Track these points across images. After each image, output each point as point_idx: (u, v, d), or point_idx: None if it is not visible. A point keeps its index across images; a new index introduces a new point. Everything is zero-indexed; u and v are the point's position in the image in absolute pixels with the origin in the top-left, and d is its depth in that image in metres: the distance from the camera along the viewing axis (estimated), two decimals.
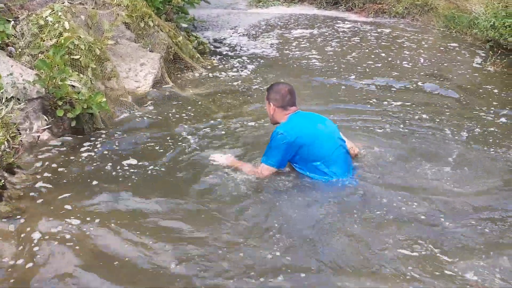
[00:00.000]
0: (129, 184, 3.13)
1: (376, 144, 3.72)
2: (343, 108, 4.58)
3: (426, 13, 8.47)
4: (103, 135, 3.84)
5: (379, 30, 7.81)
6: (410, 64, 6.09)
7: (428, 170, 3.38)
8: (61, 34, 3.97)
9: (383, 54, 6.51)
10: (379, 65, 6.08)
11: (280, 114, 3.37)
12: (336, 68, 5.91)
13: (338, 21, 8.44)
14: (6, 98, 3.23)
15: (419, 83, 5.32)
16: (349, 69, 5.83)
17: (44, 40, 3.87)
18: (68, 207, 2.83)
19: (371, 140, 3.82)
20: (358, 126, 4.12)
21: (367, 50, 6.71)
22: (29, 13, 4.10)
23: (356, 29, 7.92)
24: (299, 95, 3.61)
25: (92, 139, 3.77)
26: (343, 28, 7.99)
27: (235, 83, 5.30)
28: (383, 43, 7.05)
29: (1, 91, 3.24)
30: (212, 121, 4.16)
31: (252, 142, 3.79)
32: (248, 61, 6.19)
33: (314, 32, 7.70)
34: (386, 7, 8.96)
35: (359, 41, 7.19)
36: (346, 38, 7.33)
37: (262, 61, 6.22)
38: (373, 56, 6.46)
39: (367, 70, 5.86)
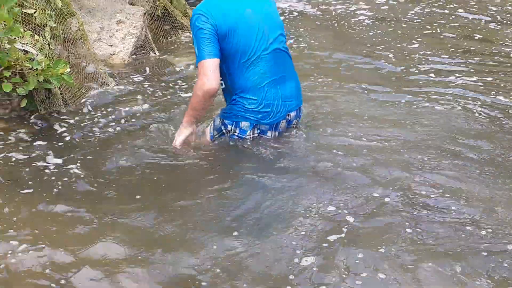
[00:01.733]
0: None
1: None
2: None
3: None
4: (64, 122, 3.81)
5: None
6: (498, 24, 6.01)
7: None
8: None
9: (460, 10, 6.44)
10: (456, 24, 6.01)
11: None
12: (397, 30, 5.87)
13: None
14: None
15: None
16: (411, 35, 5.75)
17: None
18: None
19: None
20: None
21: (436, 5, 6.65)
22: None
23: None
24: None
25: (47, 126, 3.74)
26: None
27: None
28: None
29: None
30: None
31: None
32: None
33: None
34: None
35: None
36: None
37: (289, 19, 6.13)
38: (447, 11, 6.39)
39: (439, 31, 5.80)
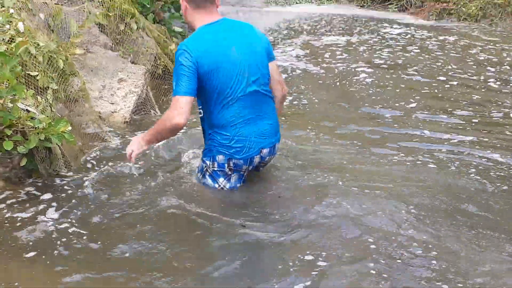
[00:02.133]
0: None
1: None
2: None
3: (509, 16, 8.51)
4: (65, 180, 3.80)
5: (441, 37, 7.86)
6: (497, 83, 6.08)
7: None
8: (12, 39, 4.00)
9: (459, 71, 6.53)
10: (455, 83, 6.11)
11: (193, 16, 3.62)
12: (396, 91, 5.95)
13: (385, 25, 8.52)
14: None
15: None
16: (407, 96, 5.83)
17: None
18: None
19: None
20: None
21: (434, 66, 6.75)
22: None
23: (408, 35, 7.99)
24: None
25: (48, 188, 3.72)
26: (392, 34, 8.06)
27: None
28: (452, 54, 7.07)
29: None
30: None
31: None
32: None
33: (353, 40, 7.76)
34: (452, 6, 9.04)
35: (418, 51, 7.23)
36: (399, 47, 7.37)
37: (292, 77, 6.23)
38: (445, 71, 6.49)
39: (439, 91, 5.88)
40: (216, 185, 3.74)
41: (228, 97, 3.59)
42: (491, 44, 7.56)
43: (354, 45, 7.55)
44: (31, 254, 3.06)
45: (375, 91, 5.97)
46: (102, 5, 5.16)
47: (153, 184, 3.84)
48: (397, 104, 5.58)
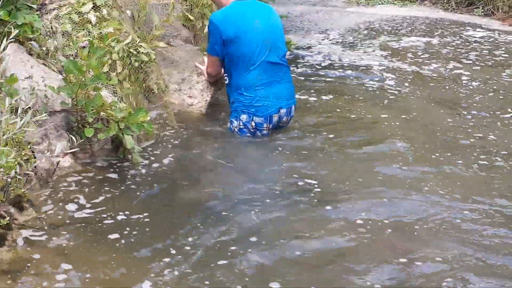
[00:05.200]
0: None
1: None
2: None
3: None
4: (136, 169, 3.89)
5: None
6: None
7: None
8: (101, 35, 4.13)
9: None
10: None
11: None
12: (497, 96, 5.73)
13: (467, 28, 8.28)
14: (22, 108, 3.34)
15: None
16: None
17: (78, 42, 4.02)
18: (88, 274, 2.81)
19: None
20: None
21: None
22: (60, 3, 4.28)
23: (492, 39, 7.73)
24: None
25: (124, 173, 3.81)
26: (474, 37, 7.82)
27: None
28: None
29: (16, 98, 3.36)
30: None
31: None
32: (354, 75, 6.24)
33: (433, 41, 7.58)
34: None
35: (507, 56, 6.98)
36: (485, 52, 7.13)
37: (389, 80, 6.15)
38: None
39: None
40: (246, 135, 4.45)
41: (252, 62, 4.32)
42: None
43: (436, 47, 7.35)
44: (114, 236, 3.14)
45: (477, 92, 5.81)
46: (186, 0, 5.25)
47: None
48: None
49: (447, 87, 5.94)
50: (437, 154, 4.33)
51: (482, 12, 9.18)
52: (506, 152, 4.40)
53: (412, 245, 3.17)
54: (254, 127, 4.41)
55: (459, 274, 2.91)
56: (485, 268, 2.98)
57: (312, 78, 6.16)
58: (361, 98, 5.61)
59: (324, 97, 5.56)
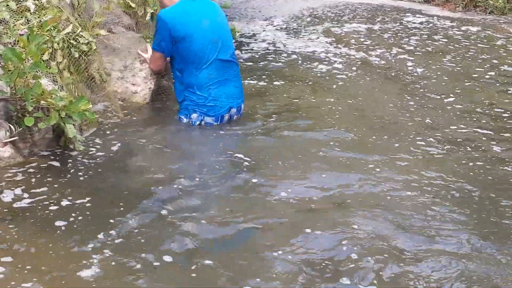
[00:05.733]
0: None
1: None
2: None
3: None
4: (77, 158, 3.84)
5: (463, 27, 7.80)
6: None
7: None
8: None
9: (494, 61, 6.48)
10: (492, 73, 6.07)
11: None
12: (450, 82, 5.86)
13: (407, 14, 8.47)
14: None
15: None
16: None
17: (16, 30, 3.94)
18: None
19: None
20: None
21: (467, 55, 6.71)
22: None
23: (431, 25, 7.95)
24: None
25: (63, 162, 3.77)
26: (414, 23, 8.02)
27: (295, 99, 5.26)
28: (480, 45, 7.00)
29: None
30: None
31: None
32: (300, 61, 6.30)
33: (375, 27, 7.74)
34: None
35: (446, 41, 7.17)
36: (425, 37, 7.31)
37: (322, 67, 6.23)
38: (480, 61, 6.45)
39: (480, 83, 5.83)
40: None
41: (203, 61, 4.36)
42: None
43: (377, 32, 7.51)
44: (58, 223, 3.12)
45: (422, 78, 5.96)
46: None
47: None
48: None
49: (393, 73, 6.08)
50: (374, 137, 4.45)
51: None
52: (440, 135, 4.55)
53: (340, 215, 3.32)
54: (203, 125, 4.47)
55: (388, 239, 3.11)
56: (403, 230, 3.20)
57: (260, 64, 6.23)
58: (310, 83, 5.71)
59: (272, 83, 5.65)
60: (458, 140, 4.47)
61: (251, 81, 5.59)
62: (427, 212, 3.38)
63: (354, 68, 6.14)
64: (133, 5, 5.19)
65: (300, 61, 6.36)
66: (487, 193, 3.66)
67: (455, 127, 4.73)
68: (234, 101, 4.53)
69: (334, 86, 5.65)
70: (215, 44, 4.41)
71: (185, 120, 4.49)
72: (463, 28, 7.84)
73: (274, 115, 4.82)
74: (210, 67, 4.39)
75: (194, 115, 4.45)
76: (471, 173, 3.93)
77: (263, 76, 5.82)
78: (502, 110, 5.13)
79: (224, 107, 4.46)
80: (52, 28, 4.09)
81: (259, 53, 6.62)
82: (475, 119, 4.91)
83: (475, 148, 4.34)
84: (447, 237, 3.15)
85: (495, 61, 6.49)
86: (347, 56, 6.55)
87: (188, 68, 4.40)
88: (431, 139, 4.45)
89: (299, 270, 2.82)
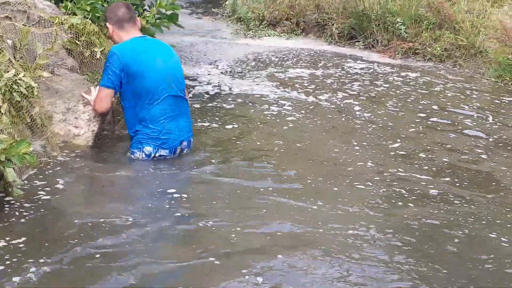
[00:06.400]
0: None
1: None
2: None
3: (473, 58, 8.74)
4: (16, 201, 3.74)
5: (403, 73, 8.05)
6: (474, 123, 6.22)
7: None
8: None
9: (434, 107, 6.68)
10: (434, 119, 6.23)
11: (120, 36, 4.65)
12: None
13: (349, 60, 8.69)
14: None
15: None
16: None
17: None
18: None
19: None
20: None
21: (409, 100, 6.90)
22: None
23: (371, 70, 8.17)
24: None
25: (10, 205, 3.66)
26: (355, 69, 8.23)
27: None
28: (420, 90, 7.23)
29: None
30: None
31: None
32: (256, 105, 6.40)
33: (317, 73, 7.90)
34: (419, 46, 9.23)
35: (387, 86, 7.39)
36: (367, 83, 7.50)
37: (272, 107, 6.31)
38: (421, 107, 6.65)
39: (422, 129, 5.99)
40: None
41: (155, 97, 4.50)
42: (455, 82, 7.76)
43: (320, 78, 7.67)
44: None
45: (370, 122, 6.08)
46: (70, 29, 5.14)
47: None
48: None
49: (343, 118, 6.19)
50: (319, 183, 4.52)
51: (363, 45, 9.66)
52: (378, 178, 4.65)
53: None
54: (157, 158, 4.59)
55: None
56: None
57: (208, 106, 6.27)
58: (260, 125, 5.80)
59: (219, 124, 5.71)
60: (394, 183, 4.59)
61: (199, 123, 5.66)
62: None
63: (303, 112, 6.25)
64: (78, 42, 5.12)
65: (249, 103, 6.46)
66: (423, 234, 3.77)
67: (395, 170, 4.85)
68: (185, 134, 4.69)
69: (285, 127, 5.76)
70: (167, 82, 4.56)
71: (138, 153, 4.59)
72: (403, 74, 8.08)
73: (219, 157, 4.87)
74: (162, 102, 4.53)
75: (147, 148, 4.57)
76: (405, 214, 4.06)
77: (213, 117, 5.91)
78: (443, 155, 5.29)
79: (177, 139, 4.62)
80: None
81: (203, 96, 6.65)
82: (416, 164, 5.04)
83: (411, 190, 4.46)
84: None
85: (435, 107, 6.69)
86: (295, 99, 6.65)
87: (140, 103, 4.52)
88: (368, 182, 4.56)
89: None
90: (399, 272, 3.28)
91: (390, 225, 3.83)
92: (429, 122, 6.18)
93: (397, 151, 5.31)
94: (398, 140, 5.58)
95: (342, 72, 8.04)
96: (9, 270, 3.00)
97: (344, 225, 3.77)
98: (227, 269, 3.18)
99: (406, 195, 4.36)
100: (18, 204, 3.73)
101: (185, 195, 4.09)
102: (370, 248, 3.51)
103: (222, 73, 7.73)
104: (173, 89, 4.60)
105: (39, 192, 3.90)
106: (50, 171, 4.22)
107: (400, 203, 4.23)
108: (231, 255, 3.34)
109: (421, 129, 5.96)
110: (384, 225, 3.82)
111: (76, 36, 5.10)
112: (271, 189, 4.28)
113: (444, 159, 5.18)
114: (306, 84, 7.30)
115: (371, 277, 3.20)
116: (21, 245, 3.25)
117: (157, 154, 4.58)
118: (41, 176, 4.12)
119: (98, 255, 3.23)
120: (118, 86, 4.52)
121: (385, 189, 4.45)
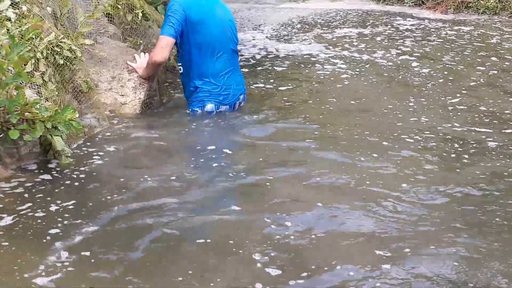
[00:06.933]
0: None
1: None
2: None
3: None
4: (65, 171, 3.66)
5: (455, 28, 7.73)
6: None
7: None
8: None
9: (493, 58, 6.39)
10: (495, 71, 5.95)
11: None
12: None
13: (398, 18, 8.41)
14: None
15: None
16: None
17: None
18: None
19: None
20: None
21: (466, 53, 6.63)
22: None
23: (422, 26, 7.89)
24: None
25: (52, 175, 3.60)
26: (405, 25, 7.95)
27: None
28: (475, 43, 6.92)
29: None
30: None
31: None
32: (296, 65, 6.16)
33: (365, 32, 7.66)
34: (471, 0, 8.87)
35: (441, 41, 7.09)
36: (419, 38, 7.23)
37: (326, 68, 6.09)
38: (479, 60, 6.35)
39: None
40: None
41: (218, 50, 4.48)
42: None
43: (369, 36, 7.42)
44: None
45: (429, 79, 5.84)
46: None
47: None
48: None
49: (400, 75, 5.96)
50: (376, 138, 4.32)
51: (412, 2, 9.33)
52: (433, 135, 4.39)
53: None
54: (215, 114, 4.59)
55: None
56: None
57: (257, 69, 6.15)
58: (315, 84, 5.63)
59: (273, 86, 5.57)
60: (448, 137, 4.36)
61: (255, 84, 5.55)
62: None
63: (357, 70, 6.07)
64: (119, 6, 5.01)
65: (301, 64, 6.30)
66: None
67: (450, 124, 4.63)
68: (242, 88, 4.73)
69: (339, 85, 5.59)
70: (226, 34, 4.54)
71: (199, 112, 4.58)
72: (456, 28, 7.76)
73: (274, 118, 4.73)
74: (223, 56, 4.52)
75: (209, 105, 4.57)
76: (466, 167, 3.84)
77: (267, 79, 5.78)
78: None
79: (236, 94, 4.65)
80: (34, 37, 3.94)
81: (252, 61, 6.50)
82: (476, 117, 4.78)
83: (465, 144, 4.24)
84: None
85: (494, 58, 6.38)
86: (349, 57, 6.46)
87: (201, 58, 4.47)
88: (417, 137, 4.34)
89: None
90: (440, 230, 3.03)
91: (438, 182, 3.58)
92: (490, 74, 5.88)
93: (456, 106, 5.05)
94: (458, 95, 5.31)
95: (392, 29, 7.80)
96: (60, 234, 2.95)
97: (389, 181, 3.57)
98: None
99: (460, 150, 4.11)
100: (69, 170, 3.67)
101: (238, 155, 4.00)
102: (414, 206, 3.28)
103: (267, 37, 7.59)
104: (232, 43, 4.60)
105: (89, 159, 3.84)
106: (100, 140, 4.15)
107: (453, 156, 4.00)
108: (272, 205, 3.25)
109: (482, 81, 5.67)
110: (431, 182, 3.57)
111: (116, 0, 5.00)
112: (321, 145, 4.13)
113: (506, 111, 4.90)
114: (355, 43, 7.08)
115: (407, 236, 2.98)
116: (70, 207, 3.21)
117: (218, 110, 4.59)
118: (89, 143, 4.05)
119: (147, 213, 3.18)
120: (179, 37, 4.41)
121: (436, 143, 4.20)
